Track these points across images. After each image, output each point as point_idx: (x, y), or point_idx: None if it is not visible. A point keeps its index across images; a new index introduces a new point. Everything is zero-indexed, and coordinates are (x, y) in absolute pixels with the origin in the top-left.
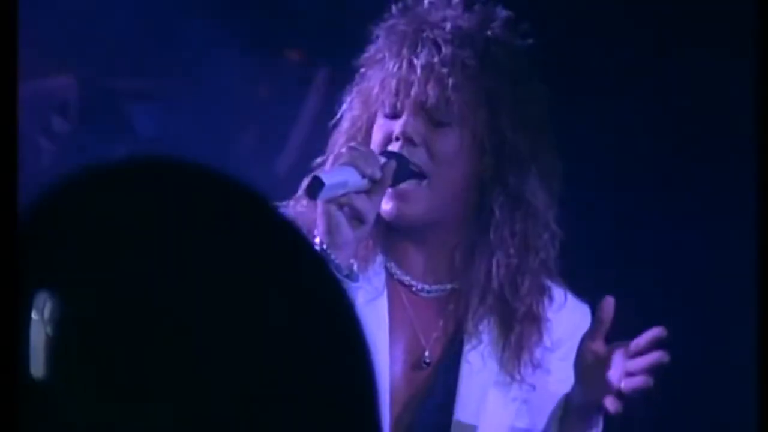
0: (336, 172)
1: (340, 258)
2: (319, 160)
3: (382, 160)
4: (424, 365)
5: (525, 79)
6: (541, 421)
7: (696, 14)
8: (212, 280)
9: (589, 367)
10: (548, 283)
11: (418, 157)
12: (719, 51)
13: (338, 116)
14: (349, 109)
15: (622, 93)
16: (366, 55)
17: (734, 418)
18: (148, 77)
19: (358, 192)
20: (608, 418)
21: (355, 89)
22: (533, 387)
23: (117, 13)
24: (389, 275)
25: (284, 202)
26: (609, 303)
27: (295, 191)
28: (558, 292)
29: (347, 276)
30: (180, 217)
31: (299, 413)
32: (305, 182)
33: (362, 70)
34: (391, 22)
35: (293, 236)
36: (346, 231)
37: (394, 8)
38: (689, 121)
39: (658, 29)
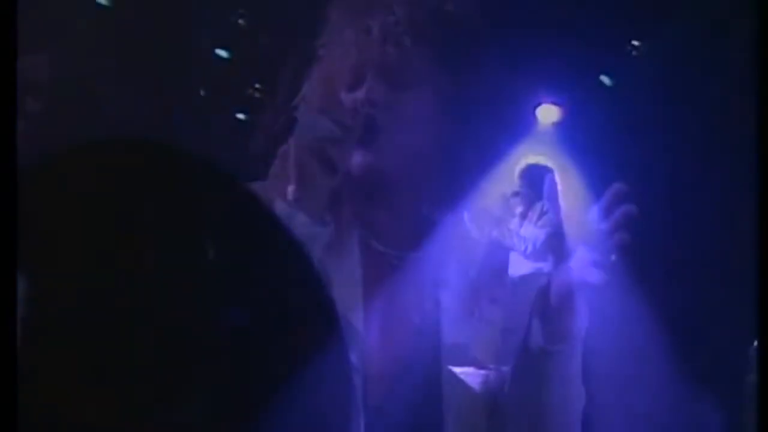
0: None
1: (313, 208)
2: (296, 101)
3: None
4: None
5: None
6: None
7: (696, 14)
8: (181, 250)
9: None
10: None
11: (382, 119)
12: (719, 53)
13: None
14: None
15: (619, 90)
16: (321, 40)
17: (734, 418)
18: (120, 58)
19: (330, 139)
20: (607, 414)
21: (315, 76)
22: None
23: None
24: (367, 247)
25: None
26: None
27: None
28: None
29: (320, 222)
30: (151, 195)
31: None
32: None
33: (320, 53)
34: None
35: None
36: (319, 180)
37: None
38: (689, 123)
39: (658, 32)
